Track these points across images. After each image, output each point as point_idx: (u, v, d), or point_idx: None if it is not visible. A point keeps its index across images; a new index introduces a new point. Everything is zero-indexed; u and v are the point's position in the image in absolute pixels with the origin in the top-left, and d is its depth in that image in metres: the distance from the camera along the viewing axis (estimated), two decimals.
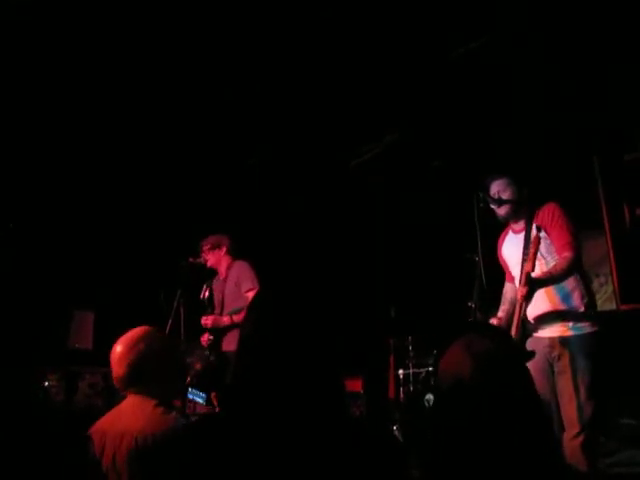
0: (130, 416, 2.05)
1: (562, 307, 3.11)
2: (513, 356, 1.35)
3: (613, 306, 5.67)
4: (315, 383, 1.31)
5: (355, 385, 5.69)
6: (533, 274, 2.99)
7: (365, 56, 4.73)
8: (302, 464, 1.21)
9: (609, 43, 4.50)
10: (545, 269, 3.13)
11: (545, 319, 3.12)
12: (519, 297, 3.03)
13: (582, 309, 3.10)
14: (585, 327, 3.05)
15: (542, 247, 3.12)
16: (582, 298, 3.12)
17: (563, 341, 3.04)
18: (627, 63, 4.70)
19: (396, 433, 5.00)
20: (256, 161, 6.19)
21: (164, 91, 5.07)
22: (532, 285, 2.96)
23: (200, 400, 3.17)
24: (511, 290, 3.47)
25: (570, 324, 3.06)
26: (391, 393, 5.94)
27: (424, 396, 5.33)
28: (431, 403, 5.16)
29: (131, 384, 2.10)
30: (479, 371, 1.26)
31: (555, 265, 3.09)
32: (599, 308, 5.79)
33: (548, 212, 3.20)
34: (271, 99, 5.31)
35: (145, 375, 2.08)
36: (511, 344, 1.41)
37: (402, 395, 5.63)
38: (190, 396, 3.05)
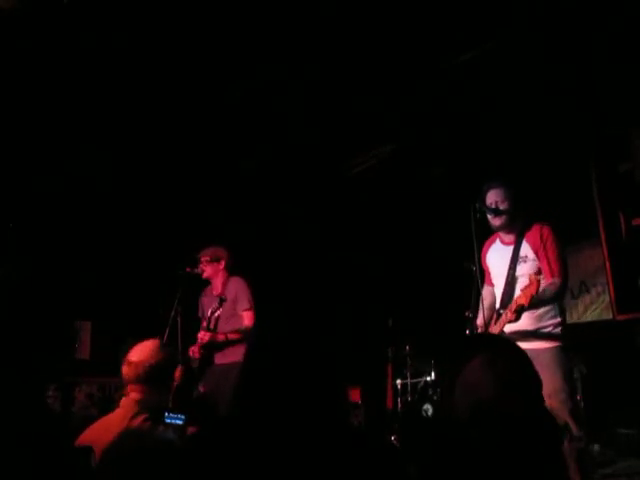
0: (119, 426, 2.08)
1: (537, 323, 3.20)
2: (531, 374, 1.34)
3: (610, 316, 5.68)
4: (317, 393, 1.32)
5: (353, 395, 5.68)
6: (517, 291, 3.12)
7: (364, 64, 4.76)
8: (301, 474, 1.21)
9: (605, 52, 4.55)
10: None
11: (521, 334, 3.18)
12: (505, 319, 3.11)
13: (555, 325, 3.21)
14: (556, 341, 3.16)
15: (531, 266, 3.23)
16: (556, 316, 3.23)
17: (536, 354, 3.05)
18: (623, 73, 4.74)
19: (394, 443, 4.99)
20: (254, 169, 6.19)
21: (163, 101, 5.09)
22: (520, 314, 3.04)
23: (180, 422, 3.10)
24: (490, 295, 3.53)
25: (543, 339, 3.16)
26: (389, 403, 5.93)
27: (422, 406, 5.32)
28: (429, 413, 5.15)
29: (145, 380, 2.21)
30: (501, 391, 1.24)
31: (544, 290, 3.13)
32: (597, 318, 5.90)
33: (542, 236, 3.26)
34: (269, 109, 5.33)
35: (158, 377, 2.24)
36: (527, 360, 1.39)
37: (400, 405, 5.63)
38: (168, 420, 2.98)
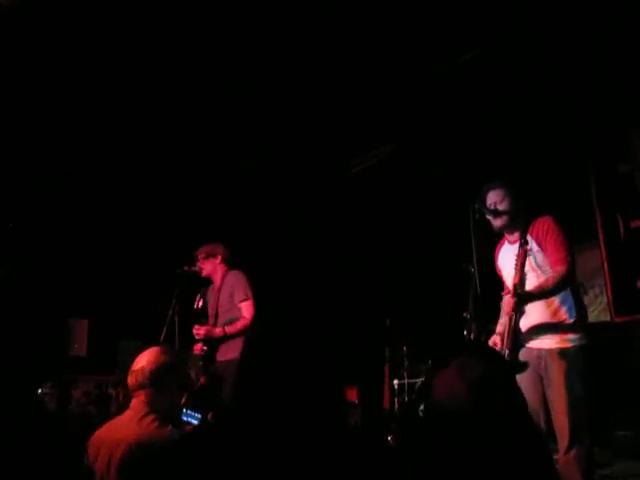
0: (127, 426, 2.15)
1: (552, 320, 3.08)
2: (506, 380, 1.32)
3: (608, 317, 5.67)
4: (316, 392, 1.32)
5: (351, 395, 5.68)
6: (526, 287, 3.03)
7: (364, 64, 4.76)
8: (298, 473, 1.21)
9: (605, 52, 4.55)
10: (540, 280, 3.11)
11: (535, 331, 3.10)
12: (508, 308, 3.02)
13: (571, 322, 3.06)
14: (573, 341, 3.02)
15: (537, 259, 3.13)
16: (572, 312, 3.08)
17: (551, 354, 3.02)
18: (623, 74, 4.74)
19: (391, 443, 4.99)
20: (254, 169, 6.20)
21: (163, 101, 5.09)
22: (519, 298, 2.97)
23: (195, 421, 3.14)
24: None
25: (558, 337, 3.03)
26: (386, 403, 5.93)
27: (419, 406, 5.31)
28: None
29: (146, 386, 2.25)
30: (474, 399, 1.24)
31: (547, 279, 3.06)
32: (594, 319, 5.85)
33: (543, 226, 3.18)
34: (269, 109, 5.33)
35: (161, 381, 2.27)
36: (504, 367, 1.38)
37: (397, 405, 5.63)
38: (185, 417, 3.03)
